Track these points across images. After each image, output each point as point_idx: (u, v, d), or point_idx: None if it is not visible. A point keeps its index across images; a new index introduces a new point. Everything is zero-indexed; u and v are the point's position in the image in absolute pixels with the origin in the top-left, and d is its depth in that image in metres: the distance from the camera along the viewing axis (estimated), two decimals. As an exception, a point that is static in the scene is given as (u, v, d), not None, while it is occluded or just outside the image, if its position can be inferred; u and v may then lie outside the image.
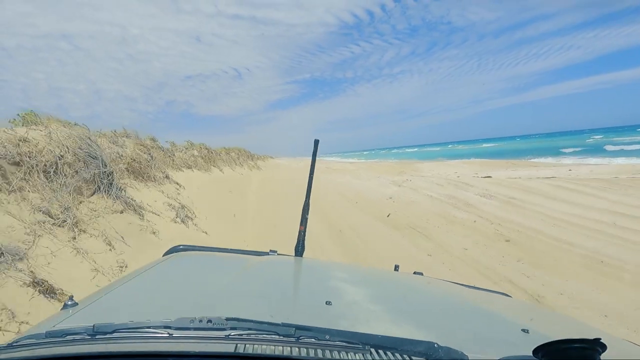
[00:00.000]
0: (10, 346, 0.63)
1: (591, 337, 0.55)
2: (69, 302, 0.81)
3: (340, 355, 0.63)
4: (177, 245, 1.41)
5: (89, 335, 0.63)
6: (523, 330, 0.87)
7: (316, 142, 1.75)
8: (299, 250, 1.55)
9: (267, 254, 1.43)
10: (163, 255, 1.31)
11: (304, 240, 1.55)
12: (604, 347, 0.54)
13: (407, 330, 0.83)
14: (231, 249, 1.53)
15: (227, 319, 0.66)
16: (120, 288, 0.94)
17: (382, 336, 0.67)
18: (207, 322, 0.66)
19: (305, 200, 1.64)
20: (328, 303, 0.87)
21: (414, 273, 1.59)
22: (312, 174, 1.70)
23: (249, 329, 0.65)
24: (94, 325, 0.63)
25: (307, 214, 1.61)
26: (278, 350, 0.63)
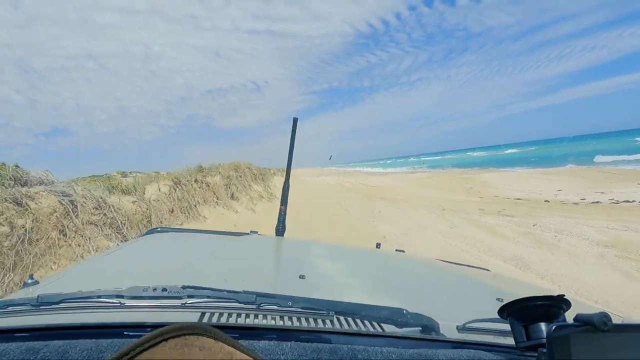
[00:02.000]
0: None
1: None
2: (29, 281, 0.77)
3: (303, 323, 0.62)
4: (155, 227, 1.40)
5: (32, 306, 0.59)
6: (498, 299, 0.87)
7: (295, 120, 1.73)
8: (280, 230, 1.56)
9: (247, 234, 1.42)
10: (142, 235, 1.31)
11: (284, 219, 1.56)
12: (568, 304, 0.54)
13: (380, 299, 0.79)
14: (210, 230, 1.49)
15: (184, 287, 0.62)
16: (86, 265, 0.97)
17: (347, 302, 0.65)
18: (162, 291, 0.61)
19: (285, 181, 1.70)
20: (301, 277, 0.84)
21: (396, 251, 1.57)
22: (292, 154, 1.71)
23: (207, 297, 0.62)
24: (38, 296, 0.59)
25: (287, 193, 1.66)
26: (238, 319, 0.60)
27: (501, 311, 0.56)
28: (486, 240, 6.48)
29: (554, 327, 0.48)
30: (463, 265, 1.48)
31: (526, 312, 0.54)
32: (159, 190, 6.41)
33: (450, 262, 1.44)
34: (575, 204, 10.13)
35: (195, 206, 7.69)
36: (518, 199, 11.69)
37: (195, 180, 8.33)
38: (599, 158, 25.32)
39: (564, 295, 0.54)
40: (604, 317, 0.46)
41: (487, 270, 1.47)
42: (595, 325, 0.45)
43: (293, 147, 1.70)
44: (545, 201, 10.95)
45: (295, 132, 1.72)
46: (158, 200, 6.03)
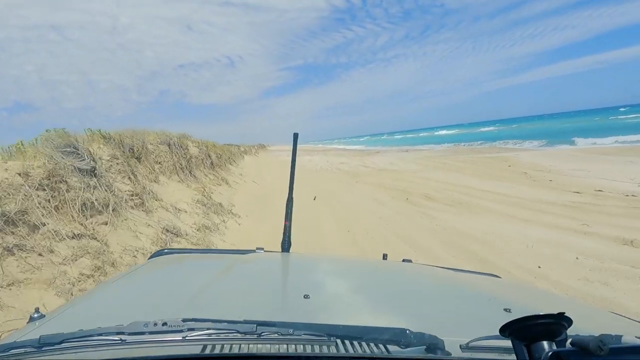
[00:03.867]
0: None
1: (575, 313, 0.56)
2: (35, 315, 0.78)
3: (305, 349, 0.62)
4: (161, 249, 1.39)
5: (35, 347, 0.60)
6: (505, 309, 0.85)
7: (295, 136, 1.73)
8: (285, 246, 1.52)
9: (253, 251, 1.41)
10: (148, 259, 1.28)
11: (289, 235, 1.52)
12: (569, 321, 0.54)
13: (385, 319, 0.81)
14: (216, 250, 1.64)
15: (184, 320, 0.63)
16: (92, 297, 0.92)
17: (348, 326, 0.65)
18: (163, 325, 0.62)
19: (289, 195, 1.63)
20: (306, 297, 0.84)
21: (403, 260, 1.51)
22: (294, 167, 1.71)
23: (208, 329, 0.62)
24: (40, 337, 0.60)
25: (291, 209, 1.59)
26: (237, 348, 0.61)
27: (503, 330, 0.56)
28: None
29: (550, 354, 0.51)
30: (472, 272, 1.44)
31: (527, 330, 0.54)
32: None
33: (458, 270, 1.40)
34: None
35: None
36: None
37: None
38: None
39: (564, 312, 0.54)
40: (600, 342, 0.47)
41: (498, 277, 1.42)
42: (591, 351, 0.47)
43: (295, 160, 1.68)
44: None
45: (296, 146, 1.70)
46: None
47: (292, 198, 1.62)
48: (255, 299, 0.89)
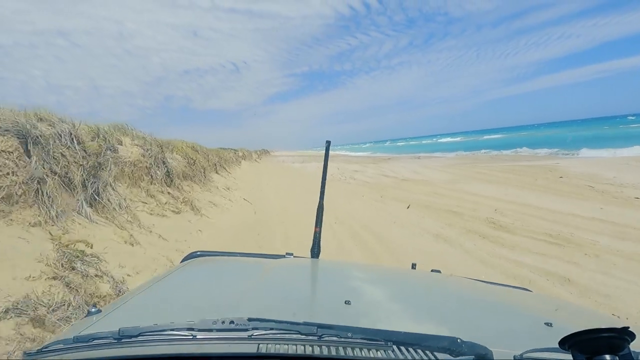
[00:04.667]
0: (39, 352, 0.64)
1: (612, 324, 0.56)
2: (93, 310, 0.82)
3: (362, 353, 0.64)
4: (194, 251, 1.41)
5: (115, 339, 0.63)
6: (546, 323, 0.85)
7: (328, 144, 1.71)
8: (315, 252, 1.52)
9: (283, 256, 1.42)
10: (181, 262, 1.32)
11: (319, 241, 1.54)
12: (632, 336, 0.54)
13: (429, 327, 0.80)
14: (248, 253, 1.50)
15: (249, 319, 0.66)
16: (142, 294, 0.93)
17: (404, 332, 0.66)
18: (230, 323, 0.65)
19: (320, 201, 1.63)
20: (347, 302, 0.85)
21: (432, 271, 1.50)
22: (325, 174, 1.71)
23: (271, 329, 0.65)
24: (119, 330, 0.64)
25: (322, 215, 1.59)
26: (300, 349, 0.63)
27: (562, 342, 0.55)
28: None
29: None
30: (502, 285, 1.43)
31: (589, 344, 0.53)
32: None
33: (488, 282, 1.41)
34: None
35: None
36: None
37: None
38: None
39: (628, 327, 0.53)
40: None
41: (529, 290, 1.42)
42: None
43: (327, 167, 1.69)
44: None
45: (328, 154, 1.71)
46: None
47: (322, 205, 1.60)
48: (298, 303, 0.90)
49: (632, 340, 0.53)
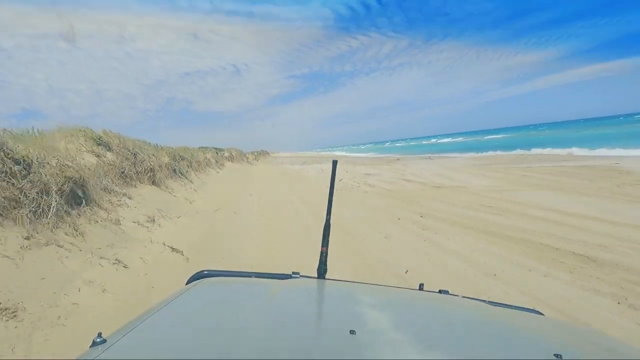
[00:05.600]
0: None
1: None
2: (98, 339, 0.80)
3: None
4: (201, 270, 1.41)
5: None
6: (556, 355, 0.81)
7: (334, 163, 1.75)
8: (321, 272, 1.52)
9: (289, 276, 1.42)
10: (187, 281, 1.34)
11: (326, 261, 1.53)
12: None
13: (433, 357, 0.79)
14: (254, 273, 1.48)
15: None
16: (148, 321, 0.92)
17: None
18: None
19: (326, 220, 1.63)
20: (352, 332, 0.84)
21: (440, 291, 1.48)
22: (332, 190, 1.67)
23: None
24: None
25: (329, 234, 1.61)
26: None
27: None
28: None
29: None
30: (513, 307, 1.39)
31: None
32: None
33: (499, 305, 1.38)
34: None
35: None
36: None
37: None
38: None
39: None
40: None
41: (541, 314, 1.37)
42: None
43: (333, 187, 1.66)
44: None
45: (335, 172, 1.71)
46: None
47: (329, 223, 1.62)
48: (303, 333, 0.90)
49: None
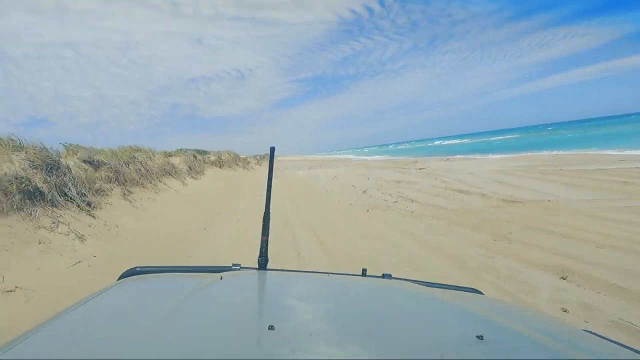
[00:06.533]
0: None
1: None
2: None
3: None
4: (133, 267, 1.31)
5: None
6: (477, 336, 0.80)
7: (272, 150, 1.74)
8: (262, 262, 1.47)
9: (229, 268, 1.38)
10: (118, 279, 1.24)
11: (267, 251, 1.50)
12: None
13: (351, 351, 0.75)
14: (192, 267, 1.44)
15: None
16: (60, 320, 0.86)
17: None
18: None
19: (266, 210, 1.61)
20: (271, 328, 0.79)
21: (383, 275, 1.46)
22: (271, 180, 1.67)
23: None
24: None
25: (269, 223, 1.58)
26: None
27: None
28: None
29: None
30: (453, 288, 1.38)
31: None
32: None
33: (439, 286, 1.35)
34: None
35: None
36: None
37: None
38: None
39: None
40: None
41: (480, 292, 1.37)
42: None
43: (272, 173, 1.65)
44: None
45: (272, 159, 1.70)
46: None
47: (269, 214, 1.59)
48: (218, 331, 0.84)
49: None
